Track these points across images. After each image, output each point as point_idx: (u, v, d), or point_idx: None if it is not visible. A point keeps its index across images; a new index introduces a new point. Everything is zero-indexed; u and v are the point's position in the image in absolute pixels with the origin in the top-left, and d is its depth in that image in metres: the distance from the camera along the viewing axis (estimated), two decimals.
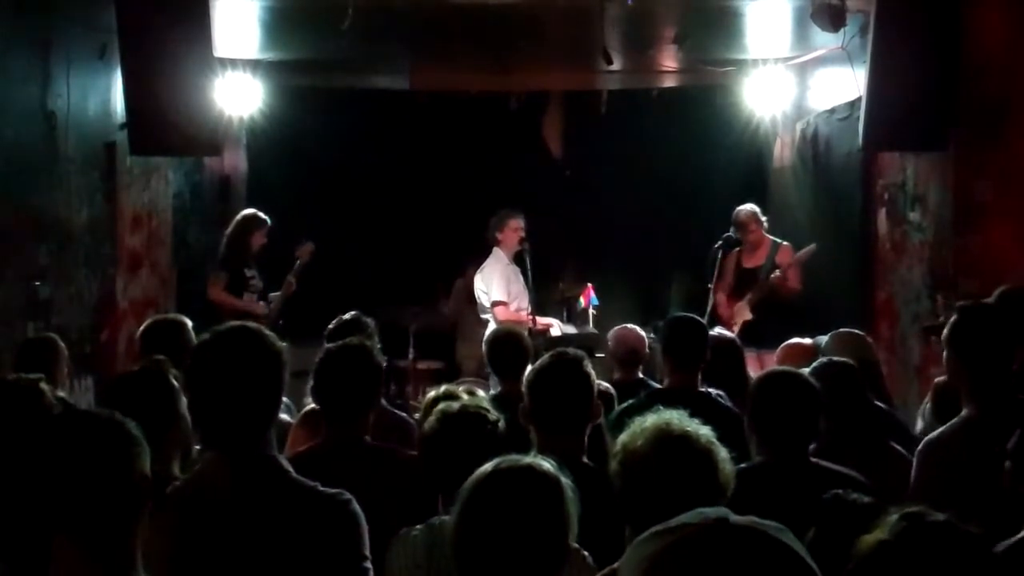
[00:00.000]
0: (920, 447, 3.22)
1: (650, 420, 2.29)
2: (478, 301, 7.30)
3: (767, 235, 7.15)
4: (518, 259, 7.10)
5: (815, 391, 3.04)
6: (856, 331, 4.47)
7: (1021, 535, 2.34)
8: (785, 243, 7.05)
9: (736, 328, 6.89)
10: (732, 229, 7.12)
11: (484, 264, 7.27)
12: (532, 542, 1.88)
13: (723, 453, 2.27)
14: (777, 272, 6.84)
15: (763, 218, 7.16)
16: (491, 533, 1.88)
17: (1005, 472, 2.52)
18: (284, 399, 2.86)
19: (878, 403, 4.00)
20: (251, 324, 2.54)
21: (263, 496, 2.37)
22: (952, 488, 2.95)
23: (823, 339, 4.38)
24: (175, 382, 2.97)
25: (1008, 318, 3.25)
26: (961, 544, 1.73)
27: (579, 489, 2.00)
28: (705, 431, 2.29)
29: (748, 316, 6.94)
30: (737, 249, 7.20)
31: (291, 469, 2.44)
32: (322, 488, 2.42)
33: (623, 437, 2.30)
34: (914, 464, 3.20)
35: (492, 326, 6.86)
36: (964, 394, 3.21)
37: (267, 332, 2.48)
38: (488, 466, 1.95)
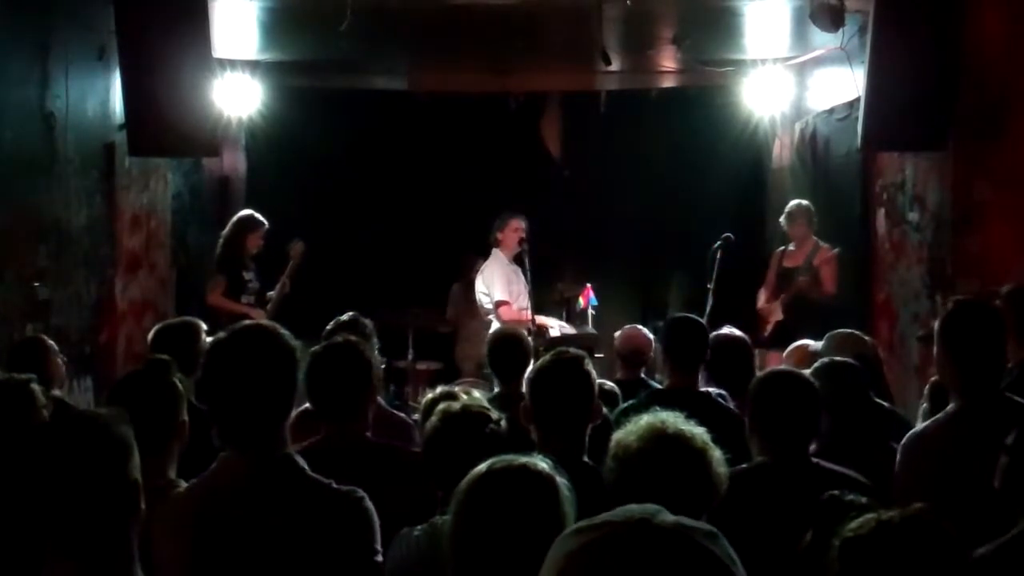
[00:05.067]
0: (904, 440, 3.21)
1: (646, 419, 2.30)
2: (479, 303, 7.25)
3: (813, 236, 7.12)
4: (517, 260, 7.08)
5: (815, 391, 3.04)
6: (854, 331, 4.46)
7: (1007, 536, 2.32)
8: (826, 245, 7.02)
9: (769, 328, 6.93)
10: (783, 221, 7.16)
11: (484, 266, 7.21)
12: (528, 542, 1.87)
13: (717, 454, 2.27)
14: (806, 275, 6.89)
15: (815, 219, 7.14)
16: (487, 533, 1.88)
17: (999, 467, 2.49)
18: None
19: (880, 401, 4.01)
20: (265, 322, 2.56)
21: (280, 494, 2.40)
22: (937, 481, 2.95)
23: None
24: (179, 386, 2.95)
25: (999, 315, 3.24)
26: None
27: (579, 488, 2.00)
28: (700, 432, 2.29)
29: (780, 316, 6.97)
30: (782, 249, 7.25)
31: (307, 467, 2.46)
32: (336, 486, 2.45)
33: (618, 433, 2.32)
34: (898, 457, 3.18)
35: (496, 326, 6.85)
36: (952, 389, 3.20)
37: (281, 330, 2.51)
38: (483, 466, 1.94)
